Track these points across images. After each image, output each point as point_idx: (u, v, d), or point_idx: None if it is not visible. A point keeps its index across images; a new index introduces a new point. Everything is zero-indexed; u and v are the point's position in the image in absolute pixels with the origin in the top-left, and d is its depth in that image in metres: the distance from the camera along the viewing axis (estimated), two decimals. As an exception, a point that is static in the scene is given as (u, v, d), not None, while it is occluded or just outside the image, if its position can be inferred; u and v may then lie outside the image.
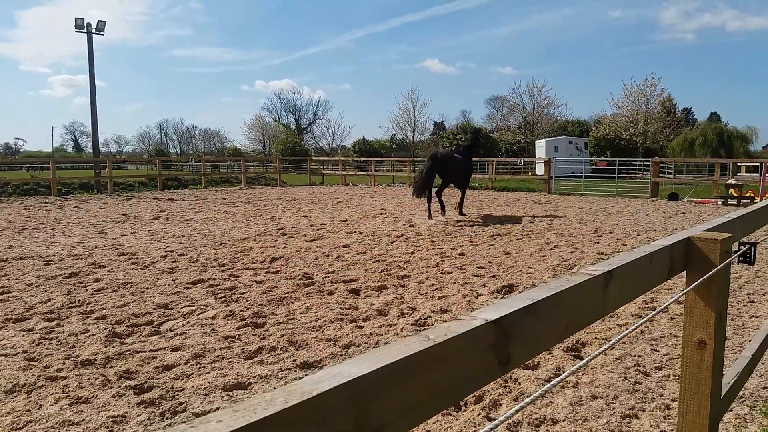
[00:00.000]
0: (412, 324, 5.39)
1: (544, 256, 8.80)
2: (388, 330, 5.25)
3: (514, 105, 60.73)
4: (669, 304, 1.36)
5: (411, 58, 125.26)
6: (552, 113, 59.53)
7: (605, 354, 4.70)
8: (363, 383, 0.78)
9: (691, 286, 1.64)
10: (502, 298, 6.34)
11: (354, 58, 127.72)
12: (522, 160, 44.26)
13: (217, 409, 3.62)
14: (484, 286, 6.89)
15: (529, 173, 38.36)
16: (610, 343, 1.19)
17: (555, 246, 9.75)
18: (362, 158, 43.91)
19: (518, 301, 1.12)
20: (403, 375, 0.84)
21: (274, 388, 3.89)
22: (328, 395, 0.73)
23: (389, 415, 0.82)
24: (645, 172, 31.95)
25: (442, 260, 8.46)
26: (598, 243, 10.14)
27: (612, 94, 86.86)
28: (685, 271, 1.89)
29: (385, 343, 4.79)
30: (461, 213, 14.18)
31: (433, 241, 10.22)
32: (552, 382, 1.01)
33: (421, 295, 6.49)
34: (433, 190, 13.78)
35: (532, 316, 1.12)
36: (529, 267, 8.00)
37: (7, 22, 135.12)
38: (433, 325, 5.38)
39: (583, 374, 4.25)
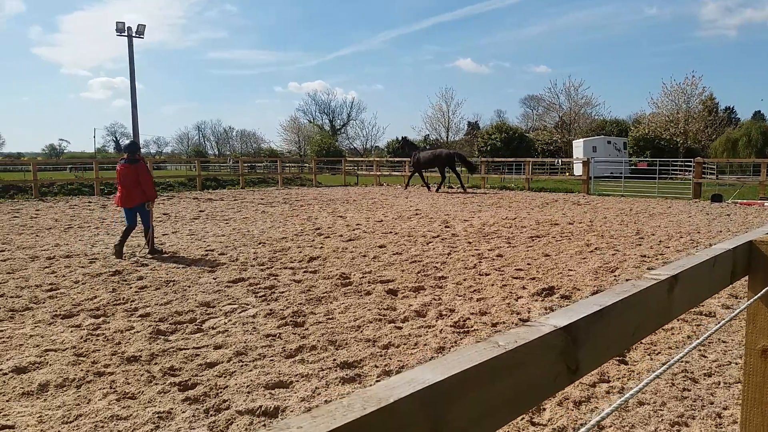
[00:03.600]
0: (451, 326, 5.35)
1: (584, 259, 8.65)
2: (427, 331, 5.22)
3: (550, 104, 59.71)
4: (741, 310, 1.31)
5: (443, 57, 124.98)
6: (589, 112, 58.41)
7: (651, 359, 4.59)
8: (437, 390, 0.76)
9: (760, 294, 1.58)
10: (542, 300, 6.24)
11: (387, 59, 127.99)
12: (560, 161, 43.57)
13: (260, 407, 3.65)
14: (524, 288, 6.79)
15: (567, 174, 37.77)
16: (687, 351, 1.15)
17: (596, 248, 9.57)
18: (396, 159, 43.89)
19: (586, 306, 1.08)
20: (476, 382, 0.82)
21: (316, 388, 3.90)
22: (404, 402, 0.72)
23: (463, 422, 0.80)
24: (686, 173, 31.17)
25: (480, 262, 8.39)
26: (640, 245, 9.92)
27: (651, 93, 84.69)
28: (747, 276, 1.82)
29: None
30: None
31: (469, 242, 10.15)
32: (629, 393, 0.98)
33: (459, 296, 6.44)
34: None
35: (600, 322, 1.08)
36: (569, 269, 7.87)
37: (50, 27, 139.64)
38: (472, 326, 5.33)
39: (629, 380, 4.16)
